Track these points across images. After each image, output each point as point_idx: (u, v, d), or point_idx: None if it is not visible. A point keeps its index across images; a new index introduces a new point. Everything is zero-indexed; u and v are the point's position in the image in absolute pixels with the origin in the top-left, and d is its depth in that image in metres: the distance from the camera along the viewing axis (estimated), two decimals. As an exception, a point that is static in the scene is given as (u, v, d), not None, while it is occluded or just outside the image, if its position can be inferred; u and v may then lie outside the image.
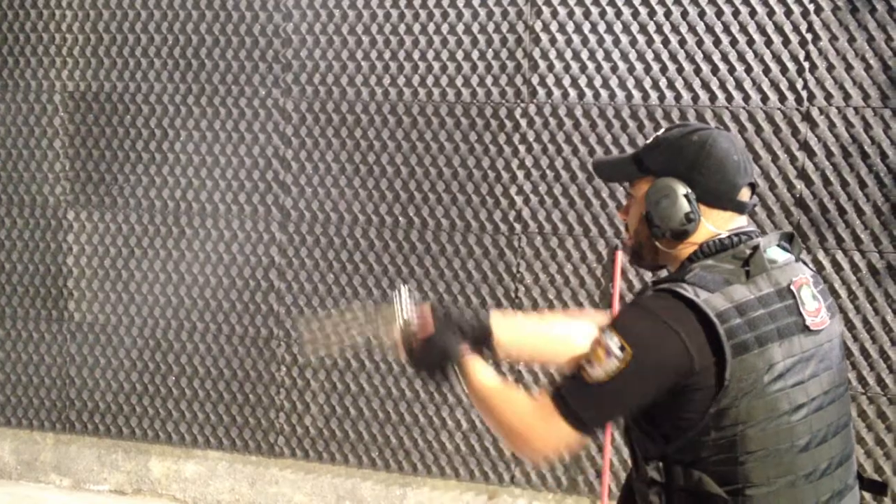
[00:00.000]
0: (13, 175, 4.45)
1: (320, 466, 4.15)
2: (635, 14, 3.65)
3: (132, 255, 4.32)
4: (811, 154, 3.52)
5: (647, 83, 3.66)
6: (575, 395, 1.63)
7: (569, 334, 2.01)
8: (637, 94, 3.67)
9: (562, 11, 3.72)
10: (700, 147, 1.70)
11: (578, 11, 3.70)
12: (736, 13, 3.55)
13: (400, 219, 3.97)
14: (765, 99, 3.55)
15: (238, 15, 4.08)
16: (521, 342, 2.02)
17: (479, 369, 1.81)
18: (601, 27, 3.69)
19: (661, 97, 3.65)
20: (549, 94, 3.76)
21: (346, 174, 4.01)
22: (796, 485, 1.58)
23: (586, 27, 3.70)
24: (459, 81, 3.86)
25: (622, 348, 1.57)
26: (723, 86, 3.59)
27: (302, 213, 4.08)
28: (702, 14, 3.59)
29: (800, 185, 3.54)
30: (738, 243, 1.67)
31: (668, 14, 3.62)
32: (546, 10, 3.73)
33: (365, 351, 4.02)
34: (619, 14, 3.67)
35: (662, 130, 1.80)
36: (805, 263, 1.77)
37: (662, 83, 3.65)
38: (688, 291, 1.57)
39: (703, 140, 1.71)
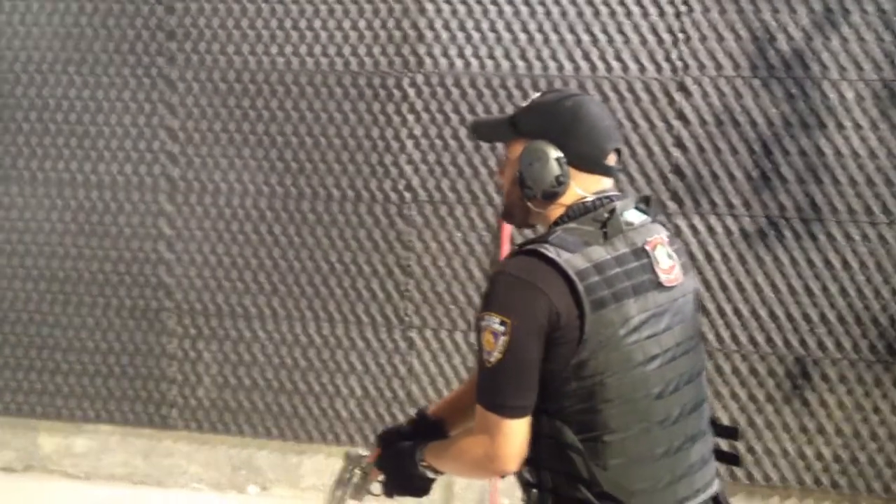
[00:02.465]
0: None
1: (215, 437, 4.16)
2: (518, -15, 3.73)
3: (23, 228, 4.22)
4: (686, 122, 3.67)
5: (531, 53, 3.75)
6: (491, 388, 1.70)
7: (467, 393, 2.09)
8: (521, 64, 3.76)
9: (447, -18, 3.77)
10: (572, 112, 1.78)
11: (463, -18, 3.76)
12: (615, -14, 3.66)
13: (291, 189, 3.98)
14: (642, 69, 3.68)
15: (120, -17, 4.01)
16: (459, 421, 2.10)
17: (432, 446, 1.89)
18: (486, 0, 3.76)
19: (545, 67, 3.74)
20: (436, 63, 3.81)
21: (234, 144, 4.00)
22: (650, 431, 1.68)
23: (473, 1, 3.77)
24: (347, 51, 3.88)
25: (503, 323, 1.65)
26: (602, 56, 3.70)
27: (190, 184, 4.05)
28: (582, -13, 3.69)
29: (676, 153, 3.69)
30: (600, 206, 1.76)
31: (550, -15, 3.71)
32: (431, -19, 3.78)
33: (258, 319, 4.04)
34: (502, -15, 3.74)
35: (538, 94, 1.88)
36: (662, 224, 1.87)
37: (545, 53, 3.74)
38: (550, 252, 1.65)
39: (575, 106, 1.79)
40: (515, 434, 1.69)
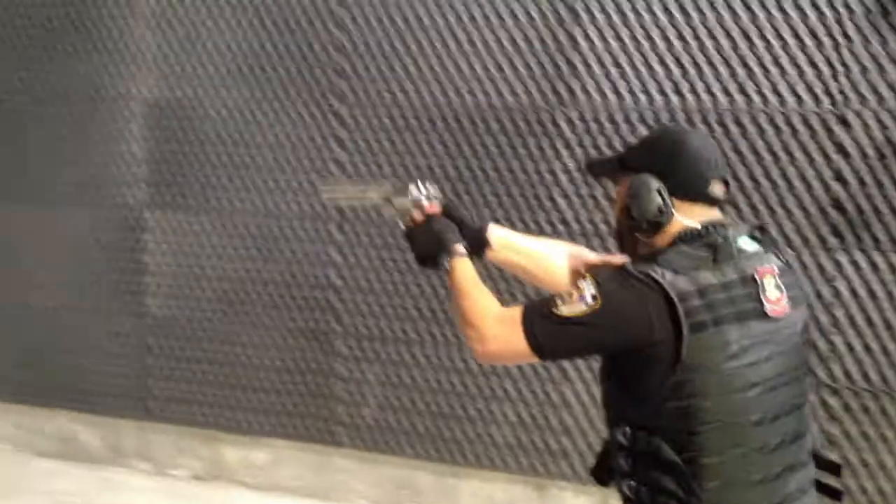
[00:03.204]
0: (96, 178, 4.78)
1: (379, 457, 4.37)
2: (671, 19, 3.73)
3: (205, 254, 4.61)
4: (846, 156, 3.56)
5: (685, 87, 3.74)
6: (539, 318, 1.81)
7: (553, 260, 2.23)
8: (675, 98, 3.76)
9: (600, 18, 3.82)
10: (673, 145, 1.86)
11: (616, 18, 3.80)
12: (770, 17, 3.60)
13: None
14: (800, 102, 3.60)
15: (299, 27, 4.30)
16: (508, 256, 2.26)
17: (466, 266, 2.03)
18: (639, 32, 3.78)
19: (698, 100, 3.73)
20: (589, 98, 3.87)
21: (399, 177, 4.20)
22: (748, 456, 1.72)
23: (624, 32, 3.80)
24: (503, 88, 4.00)
25: (594, 297, 1.74)
26: (758, 89, 3.65)
27: (357, 214, 4.29)
28: (736, 19, 3.64)
29: (836, 187, 3.58)
30: (712, 233, 1.80)
31: (703, 19, 3.69)
32: (585, 17, 3.84)
33: (418, 344, 4.22)
34: (655, 20, 3.75)
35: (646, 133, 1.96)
36: (777, 255, 1.88)
37: (699, 86, 3.72)
38: (656, 272, 1.72)
39: (676, 139, 1.88)
40: (514, 351, 1.84)
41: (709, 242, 1.78)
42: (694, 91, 3.74)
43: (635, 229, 1.88)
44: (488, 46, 4.02)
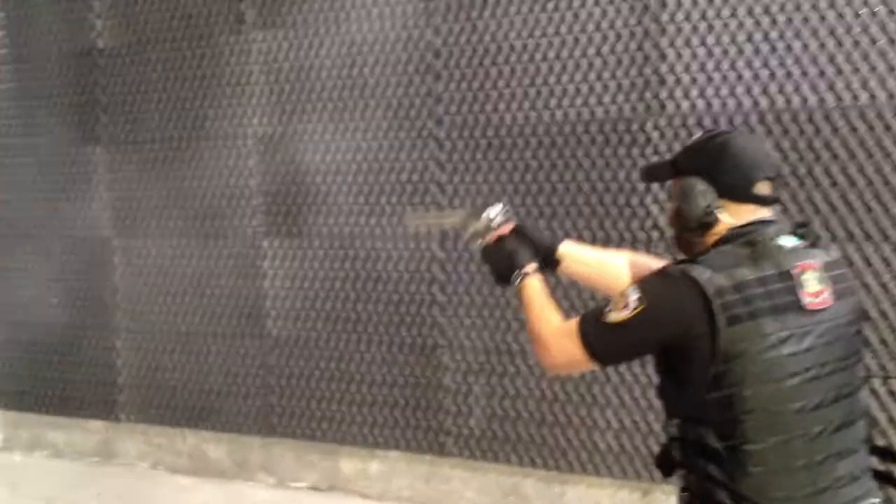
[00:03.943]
0: (216, 209, 5.10)
1: (486, 465, 4.49)
2: (756, 23, 3.77)
3: (318, 277, 4.85)
4: (942, 147, 3.52)
5: (773, 88, 3.77)
6: (591, 326, 1.93)
7: (618, 270, 2.35)
8: (763, 101, 3.78)
9: (685, 27, 3.89)
10: (719, 148, 1.95)
11: (701, 25, 3.86)
12: (856, 16, 3.60)
13: (548, 232, 4.25)
14: (891, 97, 3.57)
15: (394, 56, 4.51)
16: (577, 269, 2.39)
17: (535, 284, 2.17)
18: (724, 38, 3.82)
19: (788, 101, 3.74)
20: (678, 106, 3.93)
21: (495, 194, 4.34)
22: (790, 443, 1.78)
23: (709, 39, 3.85)
24: (593, 101, 4.10)
25: (638, 301, 1.86)
26: (848, 86, 3.64)
27: (458, 232, 4.44)
28: (822, 19, 3.66)
29: (933, 180, 3.54)
30: (754, 231, 1.89)
31: (788, 21, 3.71)
32: (670, 27, 3.91)
33: (521, 355, 4.33)
34: (740, 25, 3.80)
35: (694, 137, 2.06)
36: (825, 250, 1.94)
37: (788, 88, 3.74)
38: (695, 270, 1.82)
39: (722, 141, 1.96)
40: (575, 359, 1.95)
41: (749, 241, 1.87)
42: (783, 92, 3.76)
43: (686, 230, 1.98)
44: (576, 62, 4.13)
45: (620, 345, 1.91)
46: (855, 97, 3.64)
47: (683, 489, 1.92)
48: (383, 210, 4.65)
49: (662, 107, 3.97)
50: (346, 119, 4.70)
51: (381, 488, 4.78)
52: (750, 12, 3.78)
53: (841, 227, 3.69)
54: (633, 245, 4.05)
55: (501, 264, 2.25)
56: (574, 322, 1.97)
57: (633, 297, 1.87)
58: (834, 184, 3.68)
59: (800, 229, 1.95)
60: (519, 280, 2.19)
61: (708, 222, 1.93)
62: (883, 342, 3.67)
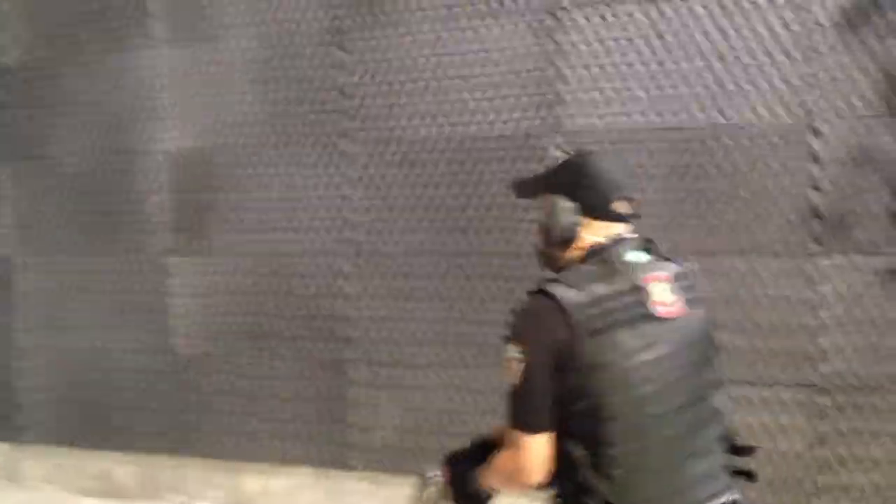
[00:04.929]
0: (124, 226, 5.08)
1: (391, 479, 4.52)
2: (648, 44, 3.94)
3: (227, 293, 4.85)
4: (822, 165, 3.71)
5: (665, 108, 3.93)
6: (516, 408, 1.96)
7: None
8: (657, 119, 3.94)
9: (583, 48, 4.04)
10: (579, 167, 2.06)
11: (598, 46, 4.02)
12: (741, 37, 3.80)
13: (458, 247, 4.34)
14: (775, 116, 3.76)
15: (305, 75, 4.59)
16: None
17: (483, 466, 2.16)
18: (618, 59, 3.99)
19: (678, 120, 3.91)
20: (574, 124, 4.08)
21: (407, 209, 4.43)
22: (648, 446, 1.88)
23: (605, 60, 4.01)
24: (493, 118, 4.23)
25: (519, 351, 1.93)
26: (731, 105, 3.83)
27: (370, 247, 4.51)
28: (710, 41, 3.84)
29: (814, 196, 3.73)
30: (607, 249, 2.00)
31: (678, 43, 3.89)
32: (569, 48, 4.06)
33: (426, 369, 4.40)
34: (634, 47, 3.97)
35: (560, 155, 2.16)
36: (676, 262, 2.06)
37: (677, 107, 3.91)
38: (554, 289, 1.91)
39: (582, 161, 2.07)
40: (536, 448, 1.93)
41: (602, 258, 1.98)
42: (659, 113, 3.93)
43: (549, 244, 2.09)
44: (480, 80, 4.26)
45: (540, 397, 1.92)
46: (742, 116, 3.81)
47: (557, 495, 1.99)
48: (292, 226, 4.69)
49: (560, 124, 4.11)
50: (256, 134, 4.74)
51: (286, 504, 4.79)
52: (642, 35, 3.95)
53: (711, 240, 3.87)
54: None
55: (467, 495, 2.23)
56: (507, 428, 1.99)
57: (513, 351, 1.94)
58: (722, 198, 3.85)
59: (648, 244, 2.07)
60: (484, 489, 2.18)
61: (569, 238, 2.04)
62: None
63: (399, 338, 4.49)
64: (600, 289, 1.91)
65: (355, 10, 4.49)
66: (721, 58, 3.84)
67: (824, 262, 3.72)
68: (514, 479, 2.00)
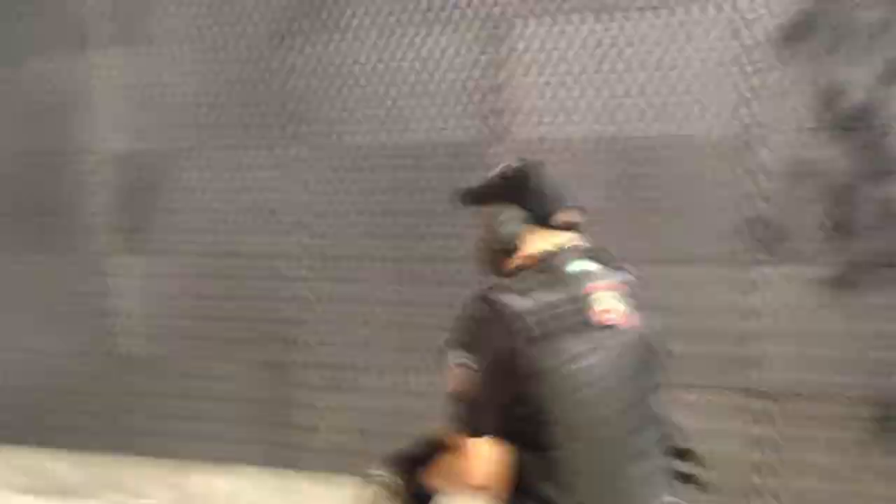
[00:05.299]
0: (64, 226, 5.01)
1: (337, 478, 4.55)
2: (591, 55, 4.01)
3: (170, 295, 4.83)
4: (761, 176, 3.82)
5: (605, 118, 4.01)
6: (463, 413, 1.99)
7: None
8: (597, 128, 4.02)
9: (526, 57, 4.10)
10: (524, 177, 2.11)
11: (541, 56, 4.08)
12: (681, 51, 3.88)
13: (408, 252, 4.38)
14: (711, 128, 3.86)
15: (253, 77, 4.57)
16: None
17: (424, 472, 2.19)
18: (560, 69, 4.05)
19: (619, 130, 3.99)
20: (519, 132, 4.13)
21: (358, 213, 4.45)
22: (593, 448, 1.94)
23: (547, 70, 4.07)
24: (440, 125, 4.26)
25: (464, 357, 1.96)
26: (673, 117, 3.91)
27: (322, 251, 4.52)
28: (650, 53, 3.92)
29: (756, 205, 3.84)
30: (551, 258, 2.04)
31: (620, 54, 3.96)
32: (511, 57, 4.11)
33: (368, 371, 4.44)
34: (577, 56, 4.03)
35: (503, 165, 2.21)
36: (620, 270, 2.12)
37: (619, 117, 3.99)
38: (497, 296, 1.95)
39: (526, 171, 2.12)
40: (479, 451, 1.96)
41: (543, 267, 2.02)
42: (614, 122, 4.00)
43: (492, 254, 2.13)
44: (426, 87, 4.28)
45: (486, 403, 1.94)
46: (680, 128, 3.90)
47: (502, 498, 2.03)
48: (238, 228, 4.68)
49: (506, 133, 4.16)
50: (202, 137, 4.71)
51: (229, 503, 4.79)
52: (589, 46, 4.01)
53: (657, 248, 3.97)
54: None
55: (419, 497, 2.24)
56: (458, 438, 2.00)
57: (456, 357, 1.97)
58: (659, 207, 3.95)
59: (592, 253, 2.11)
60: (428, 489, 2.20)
61: (511, 247, 2.08)
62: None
63: (340, 340, 4.52)
64: (544, 296, 1.95)
65: (302, 15, 4.48)
66: (666, 69, 3.92)
67: (765, 271, 3.84)
68: (458, 481, 2.04)
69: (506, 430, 1.96)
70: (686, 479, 2.16)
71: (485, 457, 1.96)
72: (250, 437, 4.70)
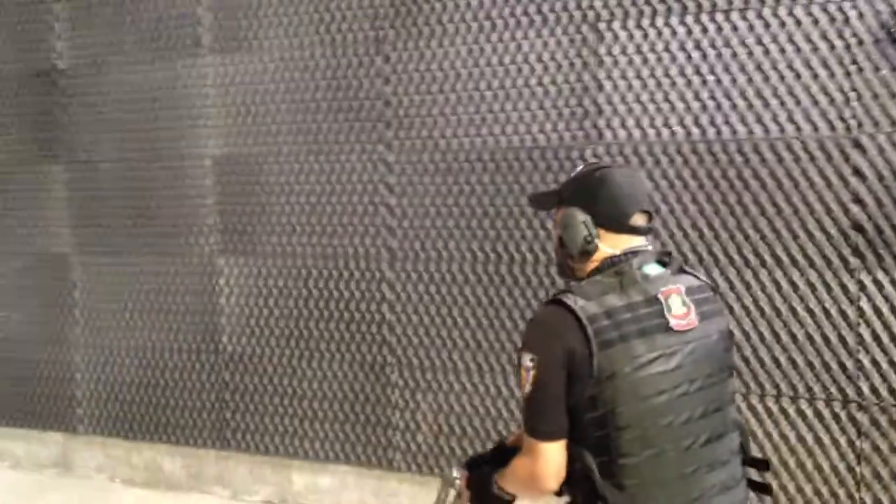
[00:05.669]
0: (173, 228, 5.20)
1: (433, 480, 4.60)
2: (688, 57, 3.92)
3: (271, 295, 4.96)
4: (863, 179, 3.67)
5: (704, 119, 3.92)
6: (530, 415, 2.01)
7: None
8: (696, 131, 3.93)
9: (622, 59, 4.04)
10: (598, 181, 2.10)
11: (637, 59, 4.01)
12: (782, 51, 3.76)
13: (493, 255, 4.38)
14: (815, 129, 3.73)
15: (347, 83, 4.64)
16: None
17: (500, 471, 2.19)
18: (658, 72, 3.98)
19: (718, 132, 3.90)
20: (615, 135, 4.08)
21: (443, 216, 4.47)
22: (661, 457, 1.92)
23: (644, 72, 4.00)
24: (535, 128, 4.25)
25: (532, 359, 1.98)
26: (775, 118, 3.80)
27: (407, 253, 4.57)
28: (750, 54, 3.82)
29: (855, 209, 3.69)
30: (623, 261, 2.04)
31: (719, 56, 3.87)
32: (608, 60, 4.06)
33: (465, 373, 4.46)
34: (674, 59, 3.95)
35: (579, 168, 2.21)
36: (693, 275, 2.11)
37: (718, 119, 3.89)
38: (569, 300, 1.96)
39: (600, 175, 2.11)
40: (550, 455, 1.98)
41: (617, 270, 2.02)
42: (713, 123, 3.91)
43: (567, 257, 2.13)
44: (519, 90, 4.27)
45: (553, 404, 1.96)
46: (782, 129, 3.79)
47: (570, 503, 2.05)
48: (335, 231, 4.76)
49: (600, 135, 4.11)
50: (299, 142, 4.82)
51: (331, 501, 4.89)
52: (682, 46, 3.93)
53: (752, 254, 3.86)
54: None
55: (485, 498, 2.25)
56: (522, 437, 2.05)
57: (527, 360, 1.99)
58: (762, 211, 3.84)
59: (664, 257, 2.11)
60: (501, 493, 2.20)
61: (587, 250, 2.07)
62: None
63: (437, 342, 4.55)
64: (615, 300, 1.96)
65: (397, 20, 4.53)
66: (761, 71, 3.81)
67: (864, 278, 3.70)
68: (529, 486, 2.06)
69: (576, 435, 1.96)
70: (761, 488, 2.12)
71: (553, 461, 1.98)
72: (350, 437, 4.79)
